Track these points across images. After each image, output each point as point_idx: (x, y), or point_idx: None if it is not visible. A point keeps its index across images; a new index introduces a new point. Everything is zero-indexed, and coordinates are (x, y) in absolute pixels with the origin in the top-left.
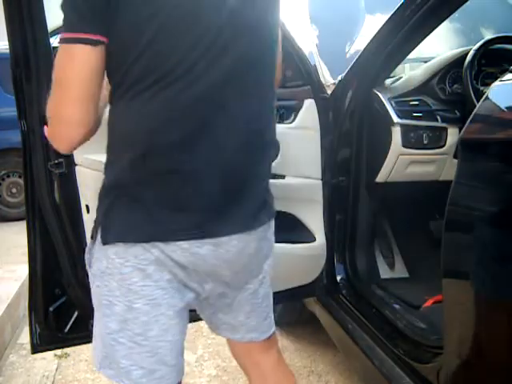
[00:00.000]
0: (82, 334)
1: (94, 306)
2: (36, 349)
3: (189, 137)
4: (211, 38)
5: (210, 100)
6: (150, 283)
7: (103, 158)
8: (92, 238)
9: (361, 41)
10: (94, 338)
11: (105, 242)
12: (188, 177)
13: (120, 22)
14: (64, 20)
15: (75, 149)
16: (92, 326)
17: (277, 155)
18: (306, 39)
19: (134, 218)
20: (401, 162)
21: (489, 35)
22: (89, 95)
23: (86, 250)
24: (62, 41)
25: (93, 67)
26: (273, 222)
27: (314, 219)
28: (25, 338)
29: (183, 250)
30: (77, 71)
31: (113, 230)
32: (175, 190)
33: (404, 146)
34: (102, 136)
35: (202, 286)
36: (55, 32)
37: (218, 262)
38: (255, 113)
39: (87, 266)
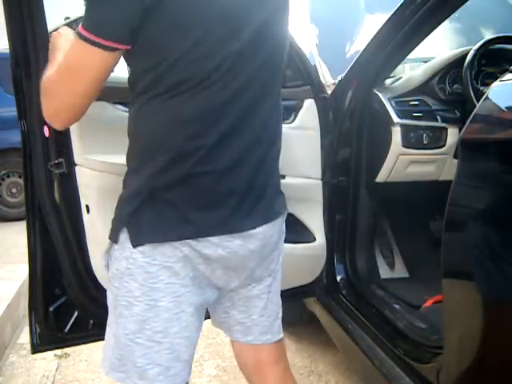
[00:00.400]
0: (82, 333)
1: (110, 307)
2: (36, 349)
3: (222, 138)
4: (244, 47)
5: (239, 102)
6: (175, 281)
7: (103, 158)
8: (111, 239)
9: (361, 41)
10: (106, 340)
11: (136, 244)
12: (221, 176)
13: (154, 29)
14: (87, 15)
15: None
16: (92, 325)
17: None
18: (306, 39)
19: (166, 218)
20: (401, 162)
21: (489, 35)
22: (95, 91)
23: (104, 251)
24: (82, 37)
25: (107, 69)
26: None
27: (313, 219)
28: (25, 338)
29: (214, 244)
30: (91, 71)
31: (144, 232)
32: (208, 190)
33: (404, 146)
34: (101, 136)
35: (226, 280)
36: None
37: (246, 254)
38: (272, 110)
39: (105, 268)
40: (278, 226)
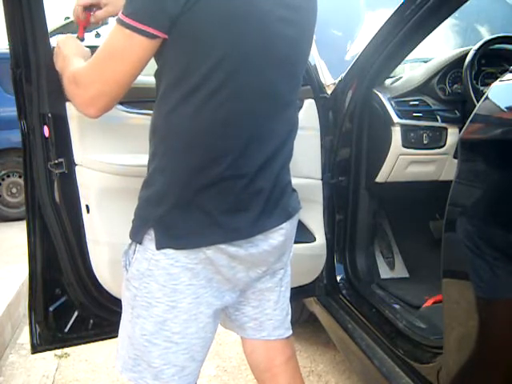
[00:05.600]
0: (82, 334)
1: (126, 307)
2: (36, 349)
3: (253, 140)
4: (280, 62)
5: (268, 105)
6: (195, 282)
7: (103, 158)
8: (133, 240)
9: (361, 40)
10: (120, 340)
11: (162, 247)
12: (252, 179)
13: (201, 22)
14: (128, 2)
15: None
16: (92, 325)
17: None
18: None
19: (196, 223)
20: (401, 162)
21: (488, 35)
22: (132, 79)
23: (123, 252)
24: (124, 24)
25: (146, 57)
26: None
27: (314, 219)
28: (25, 338)
29: (240, 245)
30: (131, 56)
31: (173, 236)
32: (238, 193)
33: (404, 145)
34: (101, 136)
35: (247, 282)
36: (55, 32)
37: (269, 250)
38: (293, 112)
39: (123, 269)
40: (295, 221)
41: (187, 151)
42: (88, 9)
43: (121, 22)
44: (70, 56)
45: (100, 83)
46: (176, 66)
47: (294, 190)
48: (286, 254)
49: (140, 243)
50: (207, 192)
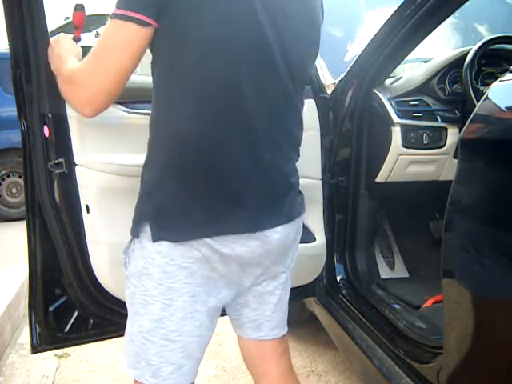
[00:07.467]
0: (82, 334)
1: (127, 304)
2: (36, 349)
3: (239, 136)
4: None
5: (265, 96)
6: (191, 280)
7: (103, 158)
8: (131, 234)
9: (361, 40)
10: (125, 336)
11: (156, 239)
12: (241, 176)
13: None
14: None
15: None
16: (92, 325)
17: None
18: None
19: (187, 215)
20: (401, 162)
21: (488, 35)
22: (127, 74)
23: (123, 250)
24: (115, 16)
25: (140, 47)
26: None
27: (313, 219)
28: (25, 338)
29: (233, 243)
30: (127, 46)
31: (165, 228)
32: (230, 188)
33: (404, 146)
34: (101, 136)
35: (242, 277)
36: (55, 32)
37: (263, 252)
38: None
39: (123, 266)
40: (296, 225)
41: (174, 144)
42: (81, 9)
43: (113, 16)
44: (64, 55)
45: (97, 81)
46: (163, 59)
47: (300, 193)
48: (289, 258)
49: (137, 237)
50: (197, 185)
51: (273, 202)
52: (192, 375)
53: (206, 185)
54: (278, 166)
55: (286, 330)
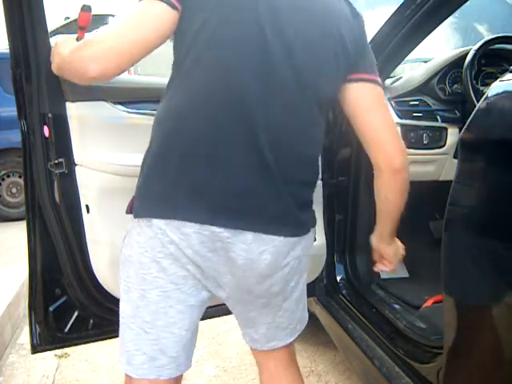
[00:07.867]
0: (82, 333)
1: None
2: (36, 349)
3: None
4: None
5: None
6: (163, 276)
7: (103, 158)
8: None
9: None
10: None
11: (135, 216)
12: (214, 166)
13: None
14: None
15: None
16: (92, 325)
17: None
18: None
19: (158, 194)
20: None
21: (488, 35)
22: (145, 49)
23: (122, 238)
24: None
25: (165, 28)
26: (309, 235)
27: None
28: (25, 338)
29: (193, 236)
30: (149, 22)
31: (141, 205)
32: (196, 180)
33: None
34: (101, 136)
35: (218, 285)
36: (55, 32)
37: (226, 261)
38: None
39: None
40: (283, 247)
41: (161, 130)
42: (88, 10)
43: None
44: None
45: (115, 39)
46: (175, 49)
47: (309, 208)
48: (289, 287)
49: (130, 213)
50: (174, 169)
51: (256, 206)
52: (168, 372)
53: (179, 169)
54: (264, 163)
55: (289, 341)
